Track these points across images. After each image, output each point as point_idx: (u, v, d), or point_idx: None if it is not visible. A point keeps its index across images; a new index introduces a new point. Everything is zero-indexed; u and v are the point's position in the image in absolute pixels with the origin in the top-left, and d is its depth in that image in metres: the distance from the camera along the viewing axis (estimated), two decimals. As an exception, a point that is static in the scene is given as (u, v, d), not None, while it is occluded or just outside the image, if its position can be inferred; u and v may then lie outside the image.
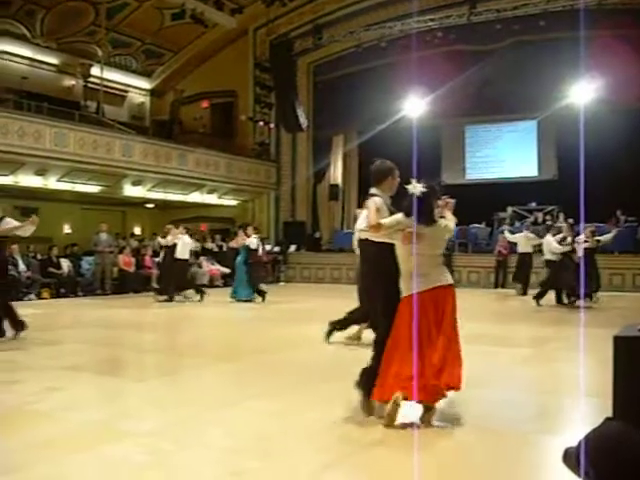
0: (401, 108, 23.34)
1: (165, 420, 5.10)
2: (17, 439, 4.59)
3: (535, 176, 25.07)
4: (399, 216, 5.06)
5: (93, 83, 24.59)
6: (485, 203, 22.68)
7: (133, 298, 17.35)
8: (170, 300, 16.04)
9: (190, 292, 16.70)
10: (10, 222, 9.16)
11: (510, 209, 23.24)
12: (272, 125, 26.71)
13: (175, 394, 6.09)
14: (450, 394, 5.04)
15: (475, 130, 26.68)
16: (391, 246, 5.13)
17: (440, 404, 5.04)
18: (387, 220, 5.04)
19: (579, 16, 17.95)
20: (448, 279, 5.17)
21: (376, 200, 5.26)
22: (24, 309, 14.19)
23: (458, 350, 5.06)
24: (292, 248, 25.36)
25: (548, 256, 14.72)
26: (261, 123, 26.52)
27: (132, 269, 19.02)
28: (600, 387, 6.22)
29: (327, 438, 4.67)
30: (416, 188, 5.07)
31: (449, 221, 5.36)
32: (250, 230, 16.53)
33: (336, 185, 27.39)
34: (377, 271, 5.32)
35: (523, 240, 17.15)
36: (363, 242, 5.54)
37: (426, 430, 4.86)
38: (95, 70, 24.54)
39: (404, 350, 4.90)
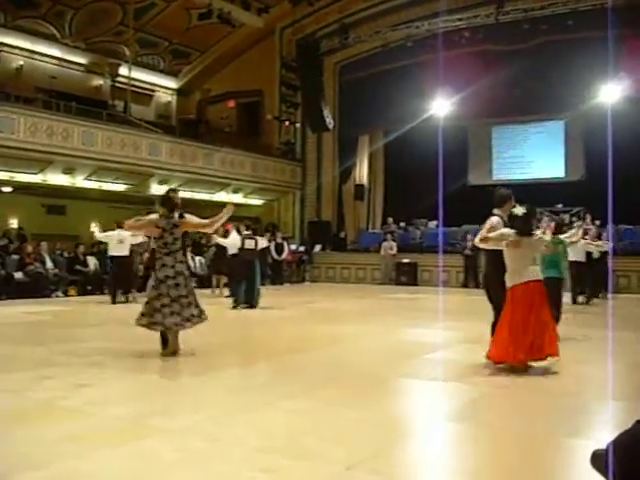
0: (428, 108, 23.32)
1: (195, 418, 5.13)
2: (48, 434, 4.63)
3: (562, 177, 24.84)
4: (503, 230, 7.03)
5: (121, 82, 24.86)
6: (511, 204, 22.44)
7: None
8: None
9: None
10: (192, 218, 8.11)
11: (537, 210, 22.98)
12: (298, 125, 26.80)
13: (206, 392, 6.11)
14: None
15: (502, 130, 26.46)
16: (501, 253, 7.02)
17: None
18: (493, 234, 7.02)
19: (607, 15, 17.78)
20: (539, 275, 7.10)
21: (492, 219, 7.27)
22: (51, 306, 14.44)
23: (554, 327, 7.13)
24: (317, 248, 25.37)
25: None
26: (287, 123, 26.62)
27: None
28: (629, 390, 6.20)
29: (355, 437, 4.68)
30: (519, 210, 7.05)
31: (545, 235, 8.52)
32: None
33: (362, 185, 27.32)
34: (497, 271, 7.12)
35: None
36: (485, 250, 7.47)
37: (445, 439, 4.93)
38: (123, 70, 24.76)
39: (518, 324, 6.77)
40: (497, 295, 7.19)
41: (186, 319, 7.63)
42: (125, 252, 15.36)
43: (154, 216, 8.05)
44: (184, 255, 7.83)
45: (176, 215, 7.76)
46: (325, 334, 10.41)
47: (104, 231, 15.56)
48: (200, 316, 7.82)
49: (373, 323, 12.07)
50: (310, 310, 14.99)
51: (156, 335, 7.90)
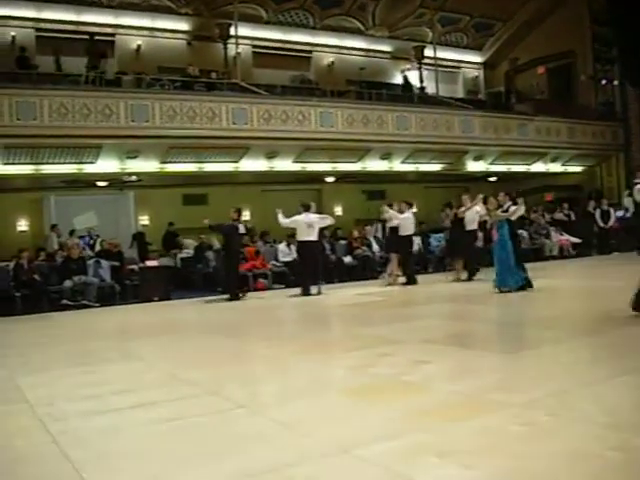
0: None
1: (536, 392, 4.96)
2: (396, 408, 4.75)
3: None
4: None
5: (427, 64, 25.09)
6: None
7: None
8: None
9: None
10: None
11: None
12: (616, 82, 25.12)
13: (542, 367, 5.91)
14: None
15: None
16: None
17: None
18: None
19: None
20: None
21: None
22: (379, 287, 15.01)
23: None
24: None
25: None
26: (603, 81, 25.09)
27: (479, 244, 18.72)
28: None
29: None
30: None
31: None
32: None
33: (696, 139, 24.87)
34: None
35: None
36: None
37: None
38: (428, 51, 24.98)
39: None
40: None
41: None
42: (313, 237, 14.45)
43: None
44: None
45: None
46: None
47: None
48: None
49: None
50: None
51: (477, 313, 7.84)
